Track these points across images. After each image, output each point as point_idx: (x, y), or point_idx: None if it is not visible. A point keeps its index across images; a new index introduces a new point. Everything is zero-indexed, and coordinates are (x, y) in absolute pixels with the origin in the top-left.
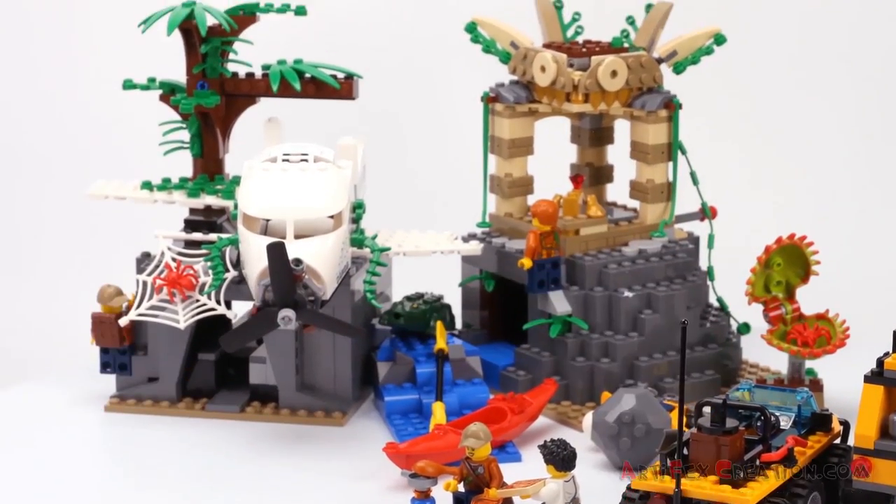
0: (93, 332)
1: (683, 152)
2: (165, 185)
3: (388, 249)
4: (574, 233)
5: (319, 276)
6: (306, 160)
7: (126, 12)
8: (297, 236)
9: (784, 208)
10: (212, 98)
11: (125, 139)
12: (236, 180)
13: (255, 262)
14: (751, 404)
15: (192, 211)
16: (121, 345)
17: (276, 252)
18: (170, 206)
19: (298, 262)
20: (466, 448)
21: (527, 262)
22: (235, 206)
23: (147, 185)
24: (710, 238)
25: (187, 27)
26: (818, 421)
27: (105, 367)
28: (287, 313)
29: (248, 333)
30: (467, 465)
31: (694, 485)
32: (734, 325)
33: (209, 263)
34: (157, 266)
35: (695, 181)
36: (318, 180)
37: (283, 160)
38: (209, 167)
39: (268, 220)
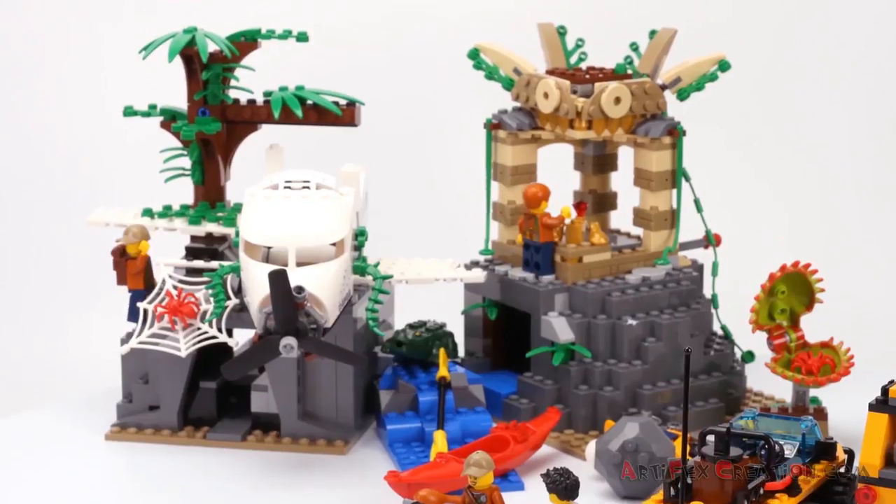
0: (115, 269)
1: (687, 179)
2: (166, 212)
3: (391, 277)
4: (577, 260)
5: (321, 304)
6: (308, 187)
7: (127, 39)
8: (299, 264)
9: (788, 235)
10: (213, 125)
11: (126, 166)
12: (238, 207)
13: (257, 289)
14: (755, 433)
15: (194, 238)
16: (144, 286)
17: (278, 279)
18: (171, 233)
19: (300, 289)
20: (469, 477)
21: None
22: (237, 234)
23: (148, 213)
24: (714, 265)
25: (188, 54)
26: (822, 449)
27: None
28: (289, 341)
29: (250, 361)
30: (470, 493)
31: None
32: (738, 354)
33: (211, 291)
34: (158, 294)
35: (699, 208)
36: (320, 208)
37: (285, 187)
38: (210, 194)
39: (269, 248)
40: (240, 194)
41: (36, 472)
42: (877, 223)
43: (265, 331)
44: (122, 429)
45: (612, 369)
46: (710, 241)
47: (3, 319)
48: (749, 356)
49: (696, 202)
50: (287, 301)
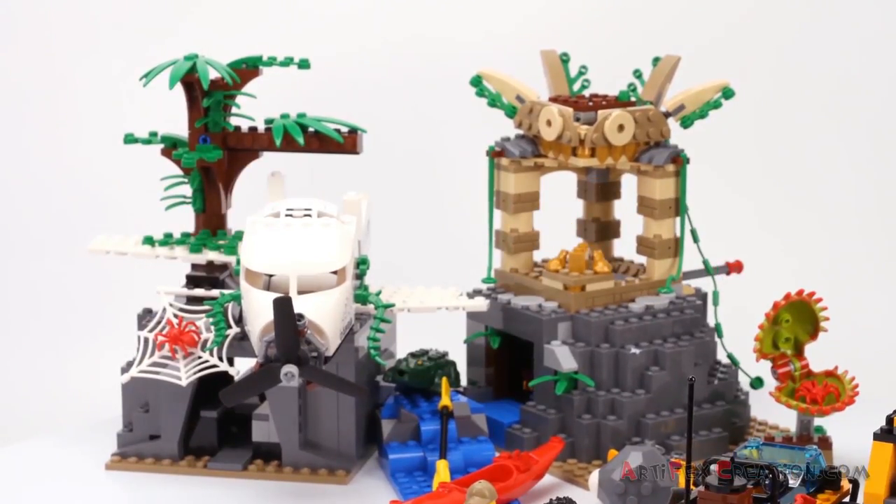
0: None
1: (684, 211)
2: (167, 240)
3: (393, 305)
4: (580, 289)
5: (322, 332)
6: (310, 215)
7: (128, 66)
8: (301, 292)
9: (793, 264)
10: (214, 152)
11: (127, 194)
12: (239, 235)
13: (258, 317)
14: (759, 462)
15: (195, 266)
16: None
17: (283, 307)
18: (172, 261)
19: (301, 317)
20: None
21: None
22: (238, 262)
23: (149, 241)
24: (715, 295)
25: (189, 81)
26: (827, 479)
27: None
28: (290, 369)
29: (249, 388)
30: None
31: None
32: (747, 380)
33: (211, 320)
34: (158, 322)
35: (695, 238)
36: (322, 235)
37: (287, 215)
38: (211, 222)
39: (271, 276)
40: (241, 222)
41: (36, 502)
42: (883, 251)
43: (266, 359)
44: (123, 458)
45: (616, 398)
46: (709, 270)
47: (4, 347)
48: (758, 382)
49: (693, 232)
50: (290, 329)
